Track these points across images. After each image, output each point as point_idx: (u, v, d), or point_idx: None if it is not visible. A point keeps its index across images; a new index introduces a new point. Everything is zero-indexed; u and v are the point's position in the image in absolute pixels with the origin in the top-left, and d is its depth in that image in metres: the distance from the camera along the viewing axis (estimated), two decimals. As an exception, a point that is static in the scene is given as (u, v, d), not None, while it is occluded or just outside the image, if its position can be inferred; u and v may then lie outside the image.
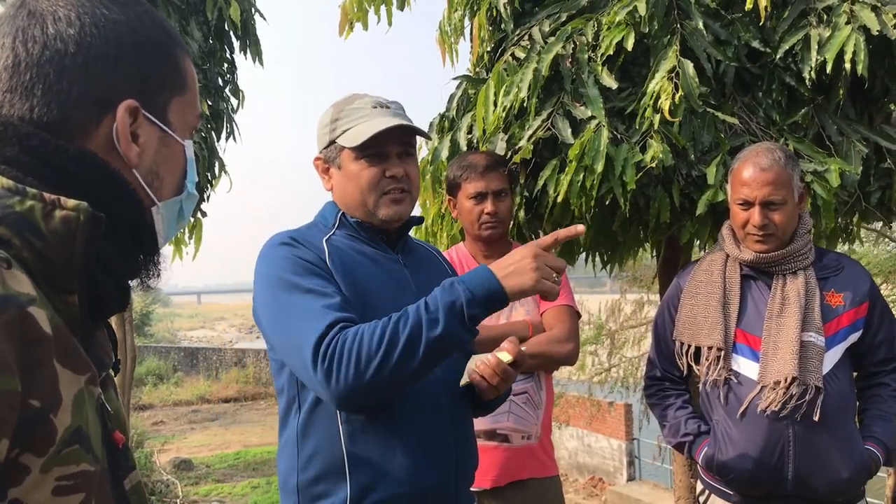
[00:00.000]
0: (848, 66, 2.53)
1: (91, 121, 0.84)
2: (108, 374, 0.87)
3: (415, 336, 1.50)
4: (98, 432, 0.75)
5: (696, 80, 2.59)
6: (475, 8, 3.36)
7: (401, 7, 3.73)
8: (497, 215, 2.58)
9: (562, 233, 1.60)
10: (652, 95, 2.61)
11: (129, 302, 0.87)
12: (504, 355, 1.77)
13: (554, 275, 1.55)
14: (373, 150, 1.79)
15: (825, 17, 2.67)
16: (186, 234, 6.10)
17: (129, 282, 0.87)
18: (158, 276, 0.93)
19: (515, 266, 1.53)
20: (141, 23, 0.89)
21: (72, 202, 0.73)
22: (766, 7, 2.62)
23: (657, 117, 2.58)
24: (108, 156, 0.85)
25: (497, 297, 1.52)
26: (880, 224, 3.86)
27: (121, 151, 0.86)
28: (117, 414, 0.84)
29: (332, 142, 1.84)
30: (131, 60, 0.87)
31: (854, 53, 2.51)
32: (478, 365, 1.79)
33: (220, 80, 5.66)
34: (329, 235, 1.82)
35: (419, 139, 1.96)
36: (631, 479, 13.44)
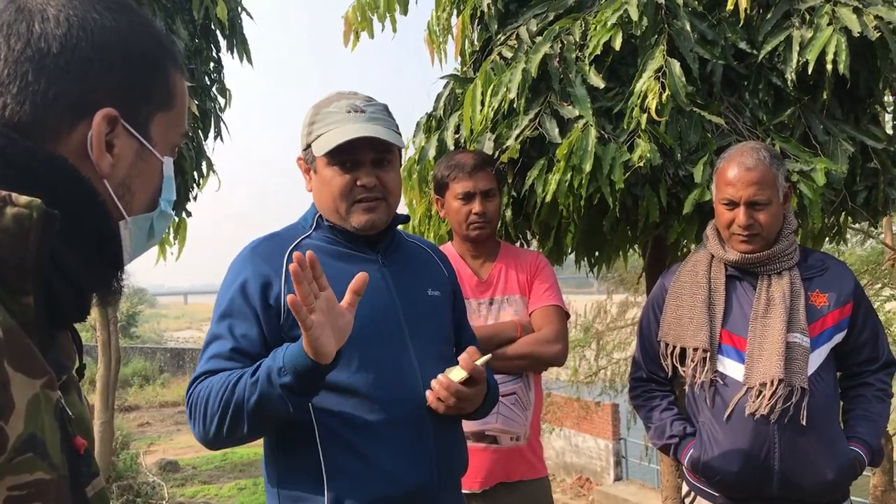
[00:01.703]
0: (830, 66, 2.54)
1: (64, 124, 0.82)
2: (72, 378, 0.83)
3: (240, 402, 1.57)
4: (56, 439, 0.72)
5: (683, 79, 2.59)
6: (461, 7, 3.36)
7: (404, 12, 3.70)
8: (485, 215, 2.57)
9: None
10: (639, 95, 2.61)
11: (88, 313, 0.83)
12: (457, 373, 1.73)
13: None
14: (344, 157, 1.75)
15: (808, 17, 2.68)
16: (171, 234, 6.06)
17: (89, 294, 0.83)
18: (120, 292, 0.89)
19: None
20: (133, 32, 0.87)
21: (24, 199, 0.70)
22: (745, 9, 2.63)
23: (644, 117, 2.58)
24: (80, 163, 0.82)
25: (304, 364, 1.51)
26: (866, 224, 3.89)
27: (93, 160, 0.83)
28: (80, 419, 0.81)
29: (309, 145, 1.81)
30: (117, 68, 0.85)
31: (836, 54, 2.52)
32: (433, 385, 1.75)
33: (206, 80, 5.63)
34: (302, 239, 1.82)
35: (405, 140, 1.92)
36: (618, 478, 13.48)
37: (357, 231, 1.80)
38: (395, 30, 3.73)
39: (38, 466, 0.67)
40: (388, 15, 3.68)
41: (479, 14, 3.28)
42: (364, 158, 1.76)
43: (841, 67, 2.52)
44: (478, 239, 2.61)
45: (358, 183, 1.76)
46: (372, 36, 3.76)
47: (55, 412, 0.72)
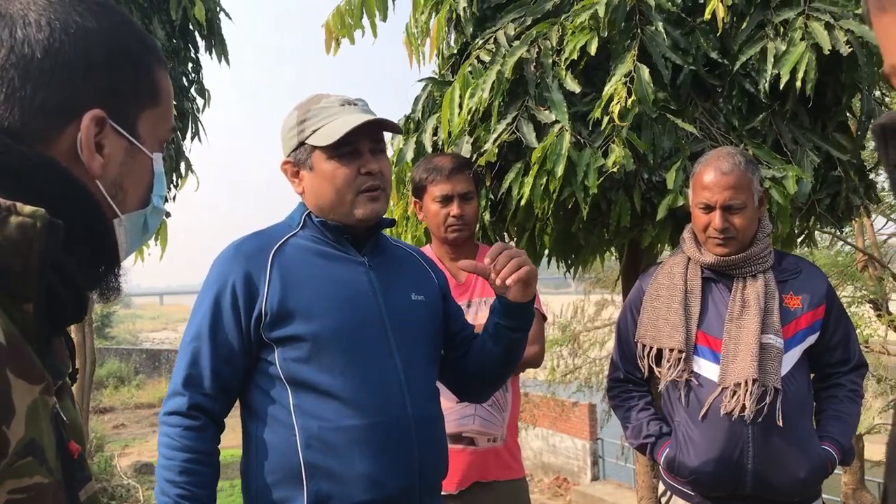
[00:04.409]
0: (798, 84, 2.59)
1: (53, 128, 0.82)
2: (65, 383, 0.84)
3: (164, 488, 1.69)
4: (52, 443, 0.73)
5: (651, 85, 2.62)
6: (438, 10, 3.38)
7: (384, 18, 3.72)
8: (463, 218, 2.58)
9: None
10: (605, 99, 2.64)
11: (86, 313, 0.84)
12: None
13: None
14: (346, 148, 1.77)
15: (782, 30, 2.72)
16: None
17: (88, 293, 0.84)
18: (119, 288, 0.90)
19: None
20: (116, 32, 0.88)
21: (28, 208, 0.71)
22: (723, 18, 2.66)
23: (605, 119, 2.62)
24: (72, 165, 0.82)
25: None
26: (832, 229, 3.96)
27: (83, 161, 0.84)
28: (73, 424, 0.82)
29: (302, 143, 1.81)
30: (102, 69, 0.85)
31: (805, 73, 2.57)
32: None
33: (184, 80, 5.60)
34: (288, 238, 1.82)
35: (385, 136, 1.95)
36: (595, 478, 13.53)
37: (359, 223, 1.81)
38: (375, 34, 3.75)
39: (36, 470, 0.68)
40: (367, 20, 3.70)
41: (454, 18, 3.30)
42: (363, 148, 1.79)
43: (808, 88, 2.57)
44: (456, 241, 2.62)
45: (362, 171, 1.78)
46: (353, 42, 3.78)
47: (51, 417, 0.73)
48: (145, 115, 0.91)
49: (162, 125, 0.95)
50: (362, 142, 1.78)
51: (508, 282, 1.75)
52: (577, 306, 12.40)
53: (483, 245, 2.80)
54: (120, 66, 0.87)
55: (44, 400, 0.71)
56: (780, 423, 2.21)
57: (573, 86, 2.76)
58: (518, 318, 1.85)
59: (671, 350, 2.33)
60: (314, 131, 1.78)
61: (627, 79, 2.62)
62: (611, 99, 2.61)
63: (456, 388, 2.09)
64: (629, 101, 2.57)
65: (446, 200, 2.57)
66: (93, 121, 0.84)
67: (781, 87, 2.66)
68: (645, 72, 2.62)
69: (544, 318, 2.65)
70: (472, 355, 1.96)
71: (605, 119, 2.65)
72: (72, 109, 0.83)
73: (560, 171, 2.60)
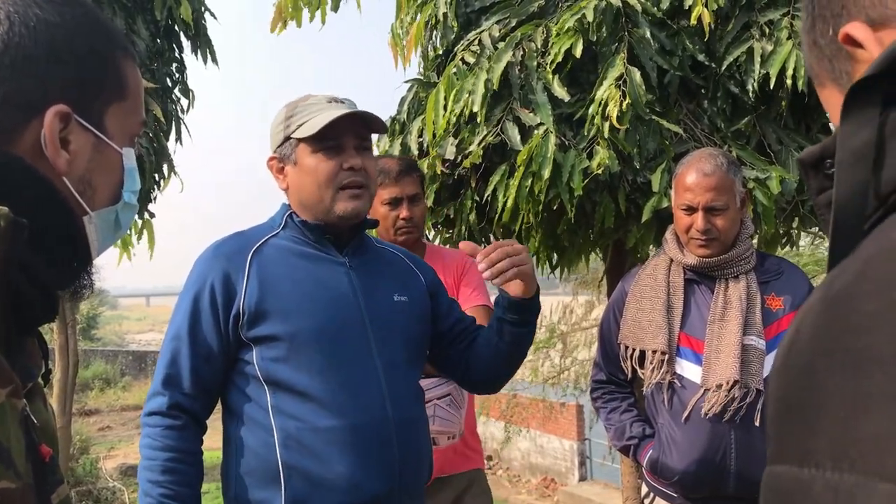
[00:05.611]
0: (789, 82, 2.60)
1: (16, 124, 0.81)
2: (37, 385, 0.83)
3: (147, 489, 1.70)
4: (21, 447, 0.71)
5: (643, 88, 2.63)
6: (420, 14, 3.39)
7: (335, 8, 3.75)
8: (412, 220, 2.58)
9: None
10: (600, 103, 2.64)
11: (57, 312, 0.83)
12: None
13: None
14: (329, 142, 1.76)
15: (767, 30, 2.74)
16: (135, 236, 6.00)
17: (59, 292, 0.83)
18: (91, 286, 0.89)
19: None
20: (78, 25, 0.86)
21: None
22: (709, 23, 2.68)
23: (606, 125, 2.62)
24: (37, 162, 0.81)
25: None
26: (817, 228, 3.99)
27: (48, 158, 0.82)
28: (45, 426, 0.81)
29: (288, 138, 1.81)
30: (65, 63, 0.83)
31: (795, 69, 2.58)
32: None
33: (168, 81, 5.57)
34: (269, 238, 1.82)
35: (374, 137, 1.94)
36: (583, 479, 13.55)
37: (340, 221, 1.80)
38: (323, 21, 3.79)
39: (2, 475, 0.67)
40: (319, 8, 3.75)
41: (434, 21, 3.31)
42: (347, 144, 1.78)
43: (800, 84, 2.58)
44: (405, 243, 2.60)
45: (344, 166, 1.77)
46: (300, 26, 3.84)
47: (20, 420, 0.72)
48: (112, 109, 0.89)
49: (131, 119, 0.93)
50: (347, 137, 1.78)
51: (510, 274, 1.75)
52: (565, 307, 12.41)
53: (430, 244, 2.80)
54: (84, 60, 0.86)
55: (11, 403, 0.69)
56: (763, 424, 2.22)
57: (560, 92, 2.77)
58: (522, 313, 1.87)
59: (654, 352, 2.34)
60: (299, 125, 1.78)
61: (620, 82, 2.63)
62: (605, 103, 2.61)
63: (465, 382, 2.11)
64: (624, 105, 2.58)
65: (395, 203, 2.58)
66: (56, 116, 0.82)
67: (771, 87, 2.68)
68: (636, 75, 2.64)
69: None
70: (477, 349, 1.96)
71: (597, 121, 2.65)
72: (35, 104, 0.81)
73: (546, 173, 2.61)
